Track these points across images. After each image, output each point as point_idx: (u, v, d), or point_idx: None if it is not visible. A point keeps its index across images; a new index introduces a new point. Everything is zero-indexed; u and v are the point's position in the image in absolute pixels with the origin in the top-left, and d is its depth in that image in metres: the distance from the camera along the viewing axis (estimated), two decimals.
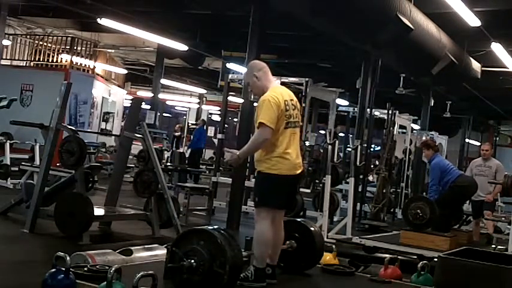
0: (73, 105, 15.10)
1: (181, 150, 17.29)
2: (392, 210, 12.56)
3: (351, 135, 18.60)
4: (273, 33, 11.04)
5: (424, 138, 15.11)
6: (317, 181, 11.13)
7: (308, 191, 11.04)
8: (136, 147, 9.70)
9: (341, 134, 19.00)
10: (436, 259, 4.97)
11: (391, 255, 5.89)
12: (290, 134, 4.54)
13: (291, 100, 4.60)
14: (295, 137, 4.61)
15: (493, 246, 8.09)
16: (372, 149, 14.38)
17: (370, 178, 14.07)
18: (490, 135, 26.30)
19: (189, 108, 27.77)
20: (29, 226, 6.67)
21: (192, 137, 17.92)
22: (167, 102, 26.39)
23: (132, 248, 5.05)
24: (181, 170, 11.65)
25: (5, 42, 15.26)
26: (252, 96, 9.05)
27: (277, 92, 4.56)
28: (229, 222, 8.95)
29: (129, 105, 10.18)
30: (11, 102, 10.74)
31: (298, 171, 4.61)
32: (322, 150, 11.61)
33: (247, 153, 4.66)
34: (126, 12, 11.86)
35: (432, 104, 15.78)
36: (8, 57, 16.47)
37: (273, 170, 4.47)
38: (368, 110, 12.19)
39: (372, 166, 13.81)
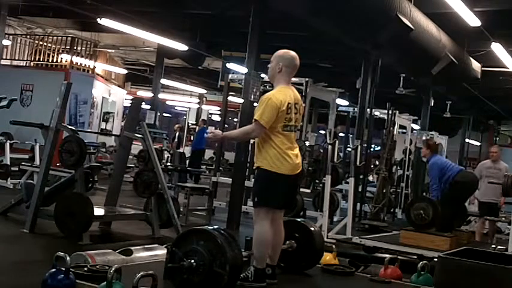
0: (73, 105, 15.09)
1: (181, 150, 17.28)
2: (392, 210, 12.57)
3: (351, 135, 18.60)
4: (273, 33, 11.03)
5: (424, 138, 15.17)
6: (317, 181, 11.13)
7: (308, 191, 11.05)
8: (136, 147, 9.70)
9: (341, 134, 19.01)
10: (436, 259, 4.96)
11: (391, 255, 5.88)
12: (289, 135, 4.54)
13: (296, 104, 4.57)
14: (294, 137, 4.62)
15: (493, 246, 8.09)
16: (372, 149, 14.38)
17: (370, 178, 14.08)
18: (490, 135, 26.28)
19: (189, 108, 27.76)
20: (29, 226, 6.68)
21: (192, 137, 17.93)
22: (167, 102, 26.38)
23: (132, 248, 5.04)
24: (181, 170, 11.63)
25: (5, 42, 15.26)
26: (253, 96, 9.05)
27: (284, 93, 4.52)
28: (229, 222, 8.94)
29: (129, 105, 10.17)
30: (11, 102, 10.70)
31: (297, 171, 4.62)
32: (322, 150, 11.60)
33: (231, 138, 4.62)
34: (126, 12, 11.84)
35: (432, 104, 15.77)
36: (8, 57, 16.47)
37: (273, 168, 4.46)
38: (368, 110, 12.19)
39: (372, 166, 13.81)
